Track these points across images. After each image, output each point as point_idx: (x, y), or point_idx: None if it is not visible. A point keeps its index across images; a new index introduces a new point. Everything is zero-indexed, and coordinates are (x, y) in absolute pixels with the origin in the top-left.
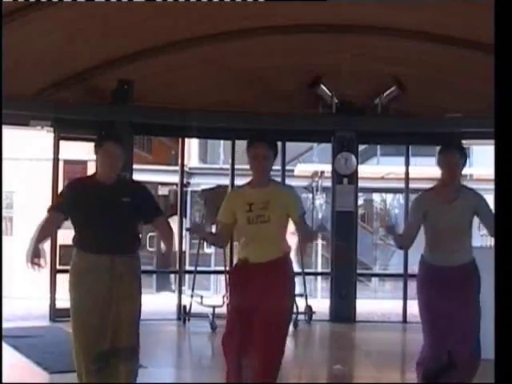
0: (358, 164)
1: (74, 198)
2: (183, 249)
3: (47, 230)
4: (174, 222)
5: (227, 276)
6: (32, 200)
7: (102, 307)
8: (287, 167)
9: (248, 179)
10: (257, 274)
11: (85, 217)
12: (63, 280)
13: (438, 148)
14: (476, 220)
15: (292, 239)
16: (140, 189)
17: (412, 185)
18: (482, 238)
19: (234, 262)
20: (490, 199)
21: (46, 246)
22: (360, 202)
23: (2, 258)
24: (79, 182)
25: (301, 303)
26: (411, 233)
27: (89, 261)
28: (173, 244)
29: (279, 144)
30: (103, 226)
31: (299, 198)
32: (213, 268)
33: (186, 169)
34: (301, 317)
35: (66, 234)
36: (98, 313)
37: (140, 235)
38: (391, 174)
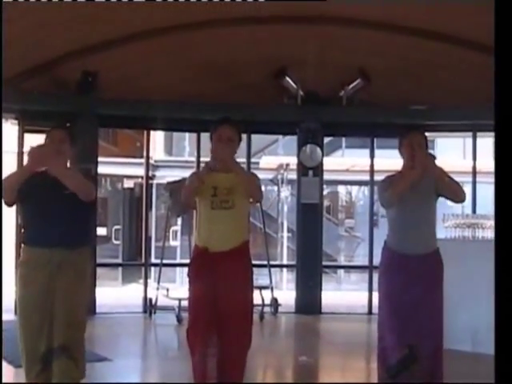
0: (323, 156)
1: (24, 189)
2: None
3: None
4: None
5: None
6: None
7: (40, 305)
8: (252, 159)
9: None
10: (218, 264)
11: (28, 209)
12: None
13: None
14: (440, 212)
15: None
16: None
17: (377, 177)
18: (446, 230)
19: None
20: None
21: (11, 240)
22: (325, 193)
23: (2, 261)
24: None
25: (267, 295)
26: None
27: (31, 255)
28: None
29: (244, 136)
30: (44, 218)
31: (260, 183)
32: (178, 261)
33: (151, 161)
34: (267, 309)
35: None
36: (36, 311)
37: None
38: (356, 166)
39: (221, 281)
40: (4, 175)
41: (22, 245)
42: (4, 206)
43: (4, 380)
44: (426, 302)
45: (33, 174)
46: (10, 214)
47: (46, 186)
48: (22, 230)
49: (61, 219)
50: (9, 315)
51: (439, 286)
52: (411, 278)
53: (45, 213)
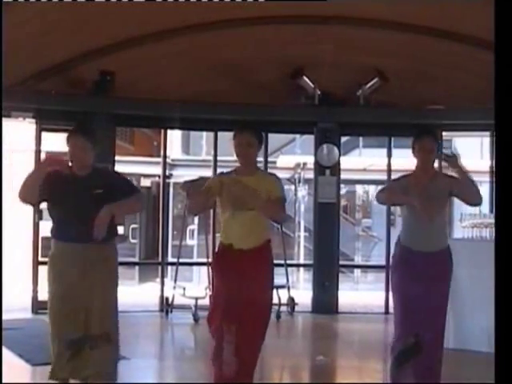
0: (340, 155)
1: (53, 188)
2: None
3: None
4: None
5: (212, 260)
6: (14, 192)
7: (75, 295)
8: (269, 159)
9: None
10: (240, 260)
11: (60, 207)
12: (45, 272)
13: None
14: (457, 211)
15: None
16: (113, 178)
17: (394, 176)
18: (463, 230)
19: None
20: None
21: (28, 238)
22: (342, 193)
23: (2, 260)
24: (57, 173)
25: (283, 295)
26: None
27: (64, 250)
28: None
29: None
30: (77, 216)
31: (282, 184)
32: (195, 259)
33: (168, 160)
34: (283, 308)
35: (47, 226)
36: (71, 300)
37: (117, 225)
38: (373, 165)
39: (242, 277)
40: (14, 174)
41: (53, 240)
42: (10, 206)
43: (21, 379)
44: (433, 297)
45: (61, 173)
46: (28, 212)
47: (76, 185)
48: (52, 227)
49: (92, 216)
50: (25, 313)
51: (446, 282)
52: (420, 273)
53: (77, 211)
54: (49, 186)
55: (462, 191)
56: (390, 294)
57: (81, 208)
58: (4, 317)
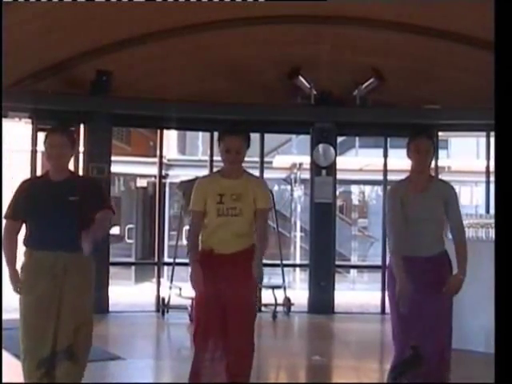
0: (336, 156)
1: (24, 199)
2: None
3: (13, 241)
4: None
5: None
6: (10, 193)
7: (45, 308)
8: (266, 159)
9: None
10: (223, 265)
11: (32, 215)
12: None
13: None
14: None
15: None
16: (88, 184)
17: (390, 177)
18: None
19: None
20: (467, 191)
21: (20, 241)
22: (338, 193)
23: (2, 260)
24: (29, 182)
25: (279, 295)
26: (399, 228)
27: (34, 259)
28: (102, 228)
29: (258, 135)
30: (48, 223)
31: (270, 191)
32: None
33: (164, 160)
34: (279, 308)
35: None
36: (42, 314)
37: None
38: (370, 165)
39: (225, 282)
40: (11, 174)
41: (24, 248)
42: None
43: (19, 379)
44: (431, 304)
45: (34, 181)
46: None
47: (50, 191)
48: (25, 234)
49: (65, 223)
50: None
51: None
52: (417, 281)
53: (48, 218)
54: (23, 196)
55: (451, 212)
56: (387, 304)
57: (54, 215)
58: (3, 317)
